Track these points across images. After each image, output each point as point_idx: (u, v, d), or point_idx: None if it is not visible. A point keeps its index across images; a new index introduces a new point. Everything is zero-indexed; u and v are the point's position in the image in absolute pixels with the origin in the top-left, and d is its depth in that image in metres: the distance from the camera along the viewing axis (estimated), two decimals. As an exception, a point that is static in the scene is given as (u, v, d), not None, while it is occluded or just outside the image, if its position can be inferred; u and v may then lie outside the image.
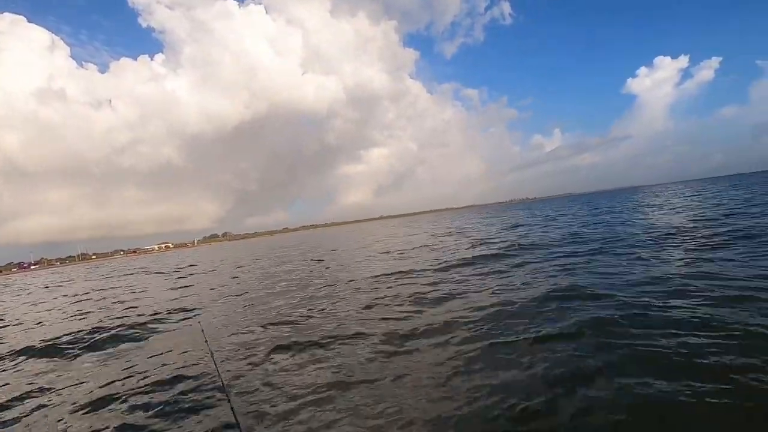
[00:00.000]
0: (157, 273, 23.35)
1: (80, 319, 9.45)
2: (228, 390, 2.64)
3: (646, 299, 4.90)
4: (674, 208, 18.83)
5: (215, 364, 3.49)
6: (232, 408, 2.37)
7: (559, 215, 26.98)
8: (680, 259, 7.05)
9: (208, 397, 3.74)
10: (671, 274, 5.97)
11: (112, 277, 25.54)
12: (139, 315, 8.78)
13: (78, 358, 5.90)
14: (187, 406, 3.62)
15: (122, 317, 8.74)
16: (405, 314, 5.81)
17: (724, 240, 8.31)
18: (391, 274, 9.69)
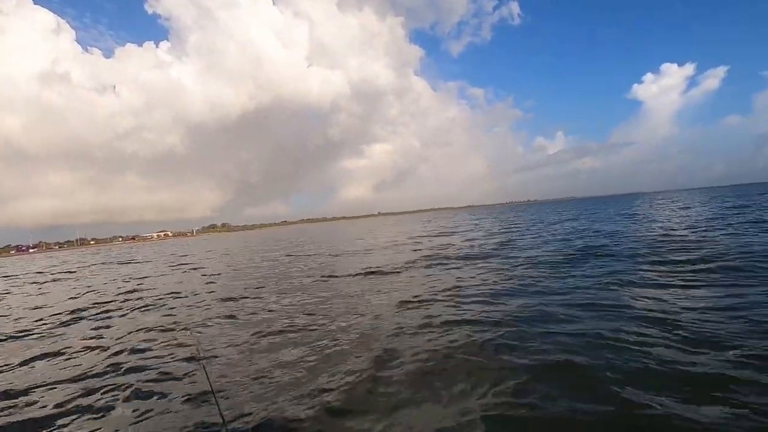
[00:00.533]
0: (151, 261, 23.95)
1: (73, 299, 10.06)
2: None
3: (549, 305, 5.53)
4: (659, 219, 19.43)
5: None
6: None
7: (551, 219, 27.56)
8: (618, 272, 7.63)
9: (185, 369, 4.34)
10: (591, 286, 6.48)
11: (106, 264, 26.12)
12: (138, 299, 9.39)
13: (66, 338, 6.51)
14: (168, 378, 4.23)
15: (123, 300, 9.36)
16: (372, 303, 6.44)
17: (670, 251, 8.87)
18: (373, 272, 10.32)
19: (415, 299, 6.52)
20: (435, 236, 21.35)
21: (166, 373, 4.27)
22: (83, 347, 5.64)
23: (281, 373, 3.97)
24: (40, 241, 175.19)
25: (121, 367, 4.59)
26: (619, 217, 22.20)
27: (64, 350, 5.55)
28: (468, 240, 17.11)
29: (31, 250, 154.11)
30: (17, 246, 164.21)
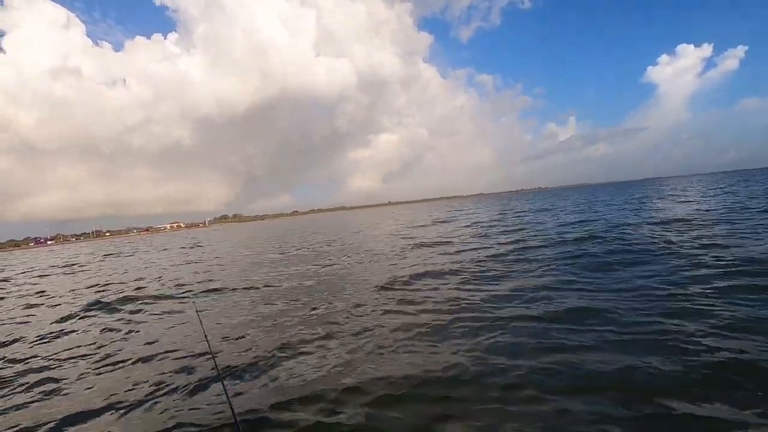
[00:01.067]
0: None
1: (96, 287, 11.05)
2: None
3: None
4: (653, 207, 19.88)
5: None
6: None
7: (548, 206, 27.98)
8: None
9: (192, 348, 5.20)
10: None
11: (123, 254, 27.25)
12: (158, 286, 10.34)
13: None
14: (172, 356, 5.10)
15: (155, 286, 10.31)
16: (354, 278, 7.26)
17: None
18: (374, 258, 11.12)
19: (400, 280, 7.28)
20: (434, 225, 22.06)
21: (182, 350, 5.13)
22: (100, 328, 6.35)
23: (274, 337, 4.79)
24: (58, 234, 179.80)
25: (132, 339, 5.51)
26: (616, 205, 22.59)
27: (83, 331, 6.38)
28: (464, 227, 17.88)
29: (49, 242, 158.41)
30: (35, 238, 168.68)
